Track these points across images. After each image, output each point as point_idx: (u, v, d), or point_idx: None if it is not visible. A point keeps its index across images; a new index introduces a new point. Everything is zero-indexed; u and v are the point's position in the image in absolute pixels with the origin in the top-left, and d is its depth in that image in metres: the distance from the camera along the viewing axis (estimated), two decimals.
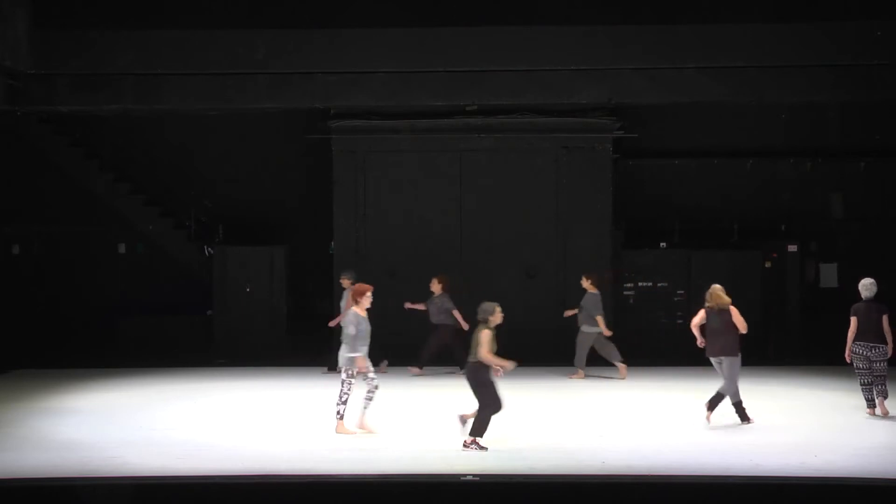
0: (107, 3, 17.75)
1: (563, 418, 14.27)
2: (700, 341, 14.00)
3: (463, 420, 12.47)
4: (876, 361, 13.86)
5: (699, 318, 14.06)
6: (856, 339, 13.84)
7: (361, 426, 13.12)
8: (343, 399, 13.05)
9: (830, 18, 17.54)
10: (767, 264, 20.66)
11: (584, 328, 17.87)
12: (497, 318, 12.26)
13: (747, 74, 17.90)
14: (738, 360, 13.58)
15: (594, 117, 19.85)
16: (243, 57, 17.85)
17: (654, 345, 20.06)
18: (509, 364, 12.22)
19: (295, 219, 21.67)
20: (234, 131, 21.58)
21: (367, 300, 13.20)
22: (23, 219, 21.10)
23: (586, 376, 17.82)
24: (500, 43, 17.82)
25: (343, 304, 17.80)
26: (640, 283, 20.52)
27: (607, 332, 17.80)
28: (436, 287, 18.17)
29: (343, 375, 13.04)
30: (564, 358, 18.78)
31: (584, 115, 19.80)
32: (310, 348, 19.61)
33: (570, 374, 17.96)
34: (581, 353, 17.90)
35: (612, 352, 17.91)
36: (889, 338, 13.77)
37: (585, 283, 18.03)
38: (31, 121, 20.97)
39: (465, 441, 12.07)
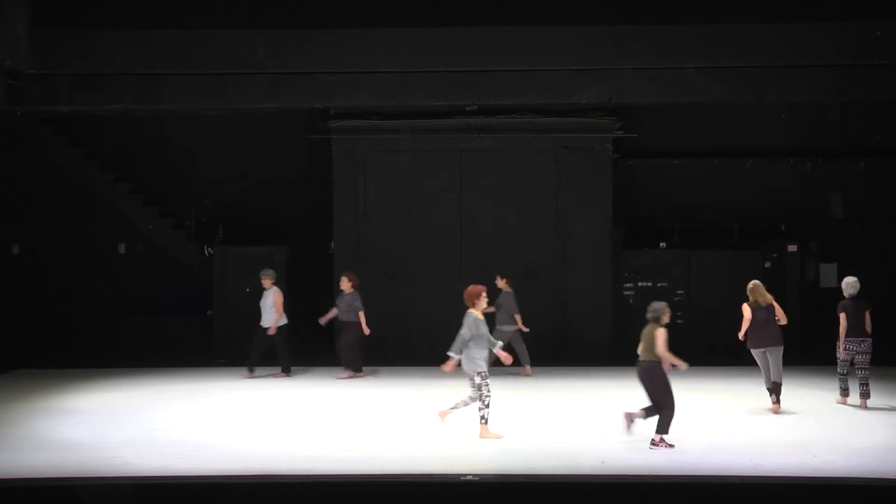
0: (107, 3, 17.76)
1: (563, 418, 14.27)
2: (742, 335, 15.00)
3: (630, 418, 12.45)
4: (862, 354, 14.86)
5: (748, 313, 14.91)
6: (847, 335, 14.81)
7: (442, 414, 13.01)
8: (486, 402, 12.71)
9: (830, 18, 17.54)
10: (767, 264, 20.67)
11: (502, 327, 17.96)
12: (667, 316, 12.36)
13: (747, 74, 17.90)
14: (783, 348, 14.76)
15: (594, 117, 19.87)
16: (243, 57, 17.86)
17: None
18: (684, 363, 12.37)
19: (295, 219, 21.67)
20: (234, 131, 21.60)
21: (483, 301, 12.89)
22: (23, 219, 21.12)
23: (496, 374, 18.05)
24: (500, 43, 17.83)
25: (263, 303, 17.81)
26: (639, 283, 20.53)
27: (525, 329, 17.99)
28: (345, 285, 17.98)
29: (477, 380, 12.67)
30: (565, 358, 18.80)
31: (584, 115, 19.81)
32: (309, 348, 19.63)
33: (522, 372, 18.16)
34: (520, 350, 18.07)
35: (523, 352, 18.09)
36: (870, 331, 14.92)
37: (500, 283, 18.16)
38: (31, 121, 20.97)
39: (652, 440, 12.14)
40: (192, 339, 20.26)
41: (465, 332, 12.64)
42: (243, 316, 19.54)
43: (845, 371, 15.08)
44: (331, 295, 20.03)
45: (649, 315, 12.41)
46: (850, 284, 15.18)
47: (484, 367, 12.68)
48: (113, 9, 17.65)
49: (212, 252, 21.00)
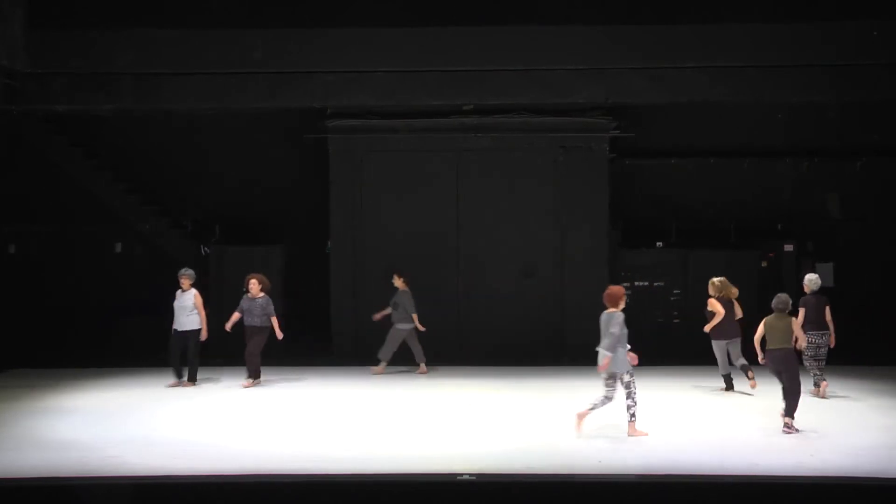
0: (105, 2, 17.73)
1: (560, 417, 14.28)
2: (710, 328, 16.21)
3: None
4: (823, 346, 15.69)
5: (720, 308, 16.06)
6: (809, 329, 15.41)
7: (580, 417, 13.04)
8: (635, 400, 12.86)
9: (829, 18, 17.55)
10: (764, 264, 20.70)
11: (399, 325, 18.09)
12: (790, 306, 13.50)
13: (745, 74, 17.91)
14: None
15: (592, 117, 19.87)
16: (242, 56, 17.85)
17: (650, 344, 20.03)
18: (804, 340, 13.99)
19: (292, 218, 21.67)
20: (232, 130, 21.58)
21: (624, 301, 13.08)
22: (20, 218, 21.09)
23: (386, 372, 18.21)
24: (498, 42, 17.83)
25: (179, 304, 16.77)
26: (636, 283, 20.54)
27: (421, 328, 18.08)
28: (254, 289, 17.05)
29: (626, 378, 12.81)
30: (561, 357, 18.81)
31: (581, 114, 19.81)
32: (306, 348, 19.63)
33: (373, 369, 18.21)
34: (390, 347, 18.20)
35: (417, 350, 18.23)
36: (832, 326, 15.71)
37: (398, 282, 18.21)
38: (29, 120, 20.95)
39: (785, 423, 13.02)
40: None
41: (616, 330, 12.74)
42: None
43: (811, 364, 15.69)
44: (326, 295, 20.10)
45: (778, 306, 13.48)
46: (812, 281, 16.07)
47: (629, 366, 12.86)
48: (111, 8, 17.63)
49: (208, 251, 21.00)
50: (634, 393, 12.90)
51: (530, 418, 14.22)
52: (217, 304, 19.77)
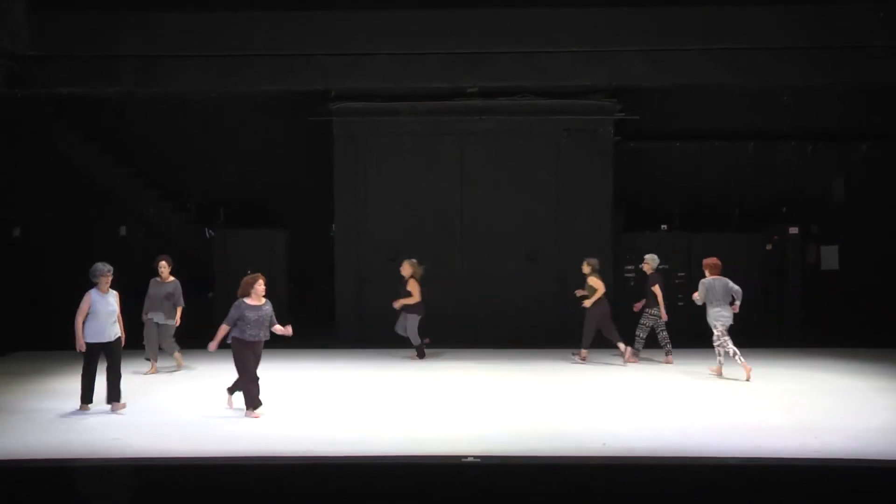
0: None
1: (564, 400, 14.30)
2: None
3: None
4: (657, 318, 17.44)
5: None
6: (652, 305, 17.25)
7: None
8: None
9: (832, 0, 17.50)
10: (768, 247, 20.68)
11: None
12: None
13: (749, 57, 17.86)
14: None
15: (595, 100, 19.83)
16: (244, 39, 17.83)
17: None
18: None
19: (296, 202, 21.67)
20: (234, 114, 21.56)
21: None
22: (23, 202, 21.08)
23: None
24: (501, 25, 17.79)
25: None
26: (640, 266, 20.51)
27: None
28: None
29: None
30: (565, 340, 18.81)
31: (585, 97, 19.77)
32: (310, 331, 19.64)
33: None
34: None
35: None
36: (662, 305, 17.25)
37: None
38: (31, 104, 20.92)
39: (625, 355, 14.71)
40: (193, 322, 20.26)
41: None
42: None
43: (643, 335, 17.44)
44: (331, 279, 20.08)
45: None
46: (655, 259, 17.63)
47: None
48: None
49: (212, 235, 21.00)
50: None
51: (534, 401, 14.23)
52: (222, 287, 19.80)
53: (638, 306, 17.61)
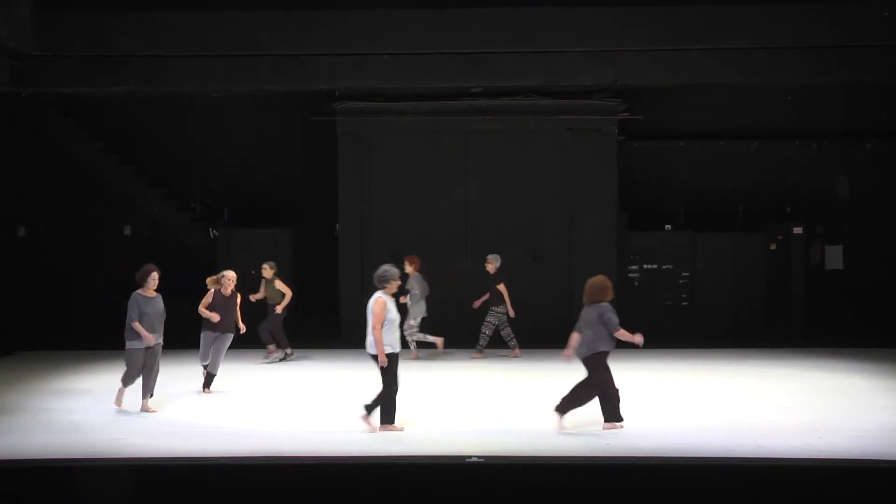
0: None
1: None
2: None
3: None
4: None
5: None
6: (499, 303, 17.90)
7: None
8: None
9: None
10: (772, 246, 20.65)
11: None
12: None
13: (753, 56, 17.86)
14: None
15: (599, 99, 19.81)
16: (248, 39, 17.85)
17: (658, 327, 20.08)
18: None
19: (300, 201, 21.67)
20: (239, 113, 21.56)
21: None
22: (28, 201, 21.10)
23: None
24: (506, 24, 17.79)
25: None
26: (644, 266, 20.54)
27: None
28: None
29: None
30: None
31: (589, 96, 19.76)
32: (315, 330, 19.65)
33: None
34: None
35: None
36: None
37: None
38: (36, 103, 20.95)
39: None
40: (198, 321, 20.26)
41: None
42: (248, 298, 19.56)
43: (489, 332, 18.01)
44: (335, 278, 20.08)
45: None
46: (497, 258, 17.95)
47: None
48: None
49: (216, 234, 21.01)
50: None
51: (538, 401, 14.21)
52: None
53: (477, 304, 18.13)
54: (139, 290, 13.40)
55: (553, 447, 11.47)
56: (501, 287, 17.85)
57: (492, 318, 18.05)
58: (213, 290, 14.93)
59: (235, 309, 14.99)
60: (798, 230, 20.53)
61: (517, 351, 18.18)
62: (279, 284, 17.69)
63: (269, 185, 21.78)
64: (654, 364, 17.30)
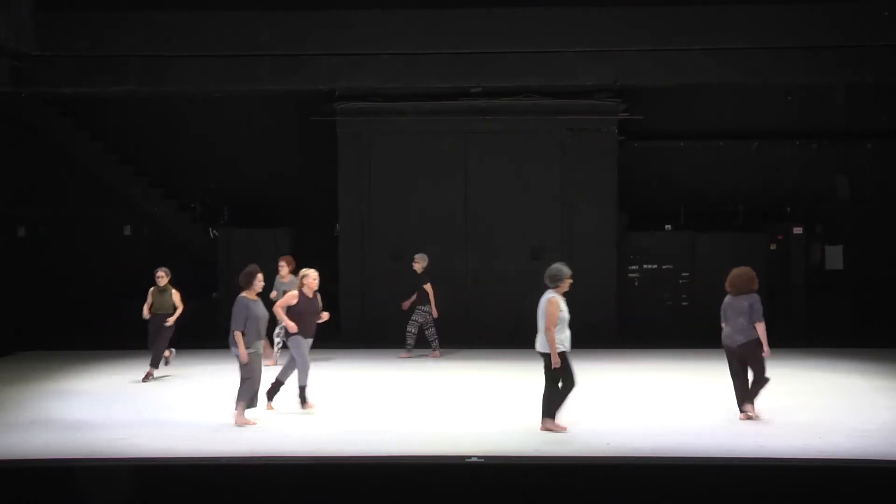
0: None
1: (568, 400, 14.27)
2: None
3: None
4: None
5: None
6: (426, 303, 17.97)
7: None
8: None
9: None
10: (772, 246, 20.65)
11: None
12: None
13: (753, 56, 17.84)
14: None
15: (599, 99, 19.81)
16: (248, 39, 17.83)
17: (658, 327, 20.11)
18: None
19: (300, 201, 21.67)
20: (239, 113, 21.57)
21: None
22: (28, 201, 21.10)
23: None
24: (505, 24, 17.77)
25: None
26: (644, 266, 20.54)
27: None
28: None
29: None
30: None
31: (589, 96, 19.76)
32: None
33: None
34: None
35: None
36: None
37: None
38: (35, 103, 20.95)
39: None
40: (198, 322, 20.28)
41: None
42: None
43: (414, 331, 18.15)
44: (335, 278, 20.07)
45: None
46: (424, 258, 18.09)
47: None
48: None
49: (216, 234, 21.01)
50: None
51: (538, 401, 14.21)
52: (226, 286, 19.78)
53: (406, 304, 18.15)
54: (244, 293, 12.46)
55: (553, 448, 11.46)
56: (428, 287, 17.96)
57: (417, 317, 18.15)
58: (295, 291, 13.49)
59: (319, 311, 13.78)
60: (798, 230, 20.54)
61: (437, 352, 18.22)
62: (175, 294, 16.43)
63: (269, 185, 21.78)
64: (654, 364, 17.30)
